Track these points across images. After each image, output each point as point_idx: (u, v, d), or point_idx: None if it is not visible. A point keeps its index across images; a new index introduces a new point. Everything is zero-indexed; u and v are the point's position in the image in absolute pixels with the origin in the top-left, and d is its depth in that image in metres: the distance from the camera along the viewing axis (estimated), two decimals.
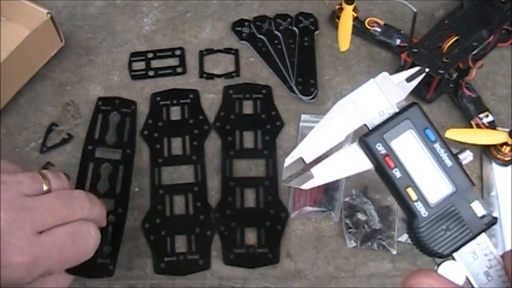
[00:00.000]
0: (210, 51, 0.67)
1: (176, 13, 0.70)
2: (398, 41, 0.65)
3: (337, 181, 0.57)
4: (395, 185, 0.35)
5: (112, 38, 0.68)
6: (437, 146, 0.36)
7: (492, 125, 0.59)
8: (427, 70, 0.38)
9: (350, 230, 0.55)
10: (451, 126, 0.60)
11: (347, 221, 0.55)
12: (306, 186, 0.37)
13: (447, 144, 0.36)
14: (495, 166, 0.58)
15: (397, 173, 0.35)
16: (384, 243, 0.54)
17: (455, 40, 0.59)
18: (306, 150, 0.37)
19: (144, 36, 0.69)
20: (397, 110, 0.37)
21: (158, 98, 0.63)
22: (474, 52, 0.59)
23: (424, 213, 0.35)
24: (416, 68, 0.39)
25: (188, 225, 0.56)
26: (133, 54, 0.67)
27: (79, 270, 0.50)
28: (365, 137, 0.36)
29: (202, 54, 0.67)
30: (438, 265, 0.35)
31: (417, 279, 0.33)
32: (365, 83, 0.37)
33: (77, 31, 0.69)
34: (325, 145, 0.37)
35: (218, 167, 0.59)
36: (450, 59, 0.58)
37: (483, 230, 0.35)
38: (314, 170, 0.37)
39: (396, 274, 0.54)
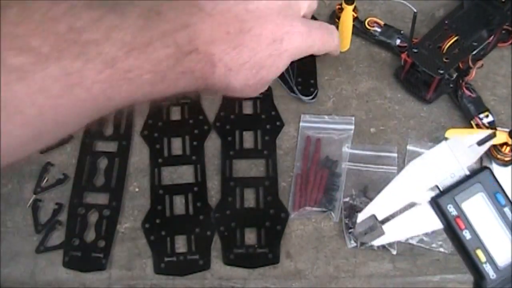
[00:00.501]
0: None
1: None
2: (398, 41, 0.65)
3: (337, 181, 0.57)
4: (465, 246, 0.37)
5: None
6: (507, 210, 0.38)
7: (492, 125, 0.59)
8: (491, 134, 0.40)
9: (350, 230, 0.55)
10: (451, 126, 0.60)
11: (347, 221, 0.55)
12: (377, 242, 0.39)
13: None
14: (495, 166, 0.58)
15: (467, 235, 0.37)
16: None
17: (455, 40, 0.59)
18: (379, 207, 0.39)
19: None
20: (467, 172, 0.38)
21: None
22: (474, 52, 0.59)
23: (493, 275, 0.36)
24: (487, 132, 0.41)
25: (188, 225, 0.56)
26: None
27: (73, 264, 0.53)
28: (437, 198, 0.38)
29: None
30: None
31: None
32: (438, 145, 0.39)
33: None
34: (398, 204, 0.39)
35: (218, 167, 0.59)
36: (450, 59, 0.58)
37: None
38: (386, 227, 0.39)
39: (396, 274, 0.54)
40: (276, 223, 0.56)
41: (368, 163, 0.59)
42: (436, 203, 0.38)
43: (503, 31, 0.64)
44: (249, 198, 0.58)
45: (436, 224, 0.38)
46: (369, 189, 0.57)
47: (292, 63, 0.60)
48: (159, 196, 0.58)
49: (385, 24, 0.66)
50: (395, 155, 0.59)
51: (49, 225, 0.56)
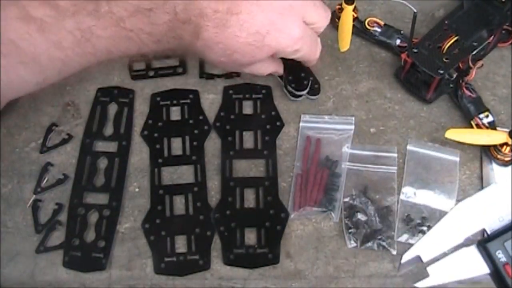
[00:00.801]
0: None
1: None
2: (398, 41, 0.65)
3: (337, 181, 0.57)
4: None
5: None
6: None
7: (492, 125, 0.59)
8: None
9: (350, 230, 0.55)
10: (451, 126, 0.60)
11: (347, 221, 0.55)
12: (421, 285, 0.39)
13: None
14: (495, 166, 0.58)
15: None
16: (384, 243, 0.54)
17: (455, 40, 0.59)
18: (424, 249, 0.40)
19: None
20: None
21: (158, 98, 0.63)
22: (474, 52, 0.59)
23: None
24: None
25: (188, 225, 0.56)
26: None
27: (73, 264, 0.53)
28: (485, 243, 0.38)
29: None
30: None
31: None
32: (487, 187, 0.41)
33: None
34: (444, 246, 0.39)
35: (218, 167, 0.59)
36: (450, 59, 0.58)
37: None
38: (431, 269, 0.39)
39: (396, 274, 0.54)
40: (276, 223, 0.56)
41: (368, 163, 0.59)
42: (484, 248, 0.38)
43: (503, 31, 0.64)
44: (249, 198, 0.58)
45: (483, 269, 0.37)
46: (369, 189, 0.57)
47: (290, 62, 0.60)
48: (159, 196, 0.58)
49: (385, 24, 0.66)
50: (395, 155, 0.59)
51: (49, 225, 0.56)
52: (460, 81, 0.60)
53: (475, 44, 0.60)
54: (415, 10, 0.54)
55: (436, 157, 0.59)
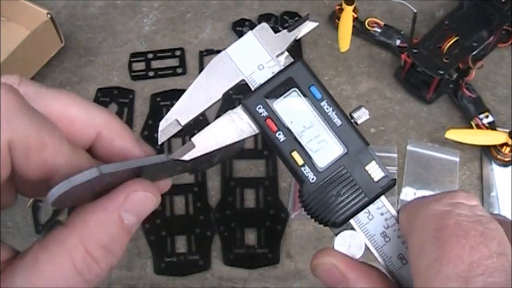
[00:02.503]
0: (210, 52, 0.67)
1: (176, 14, 0.70)
2: (398, 42, 0.65)
3: None
4: (280, 150, 0.31)
5: (112, 38, 0.68)
6: (324, 104, 0.33)
7: (492, 126, 0.59)
8: (304, 17, 0.35)
9: None
10: (451, 127, 0.60)
11: None
12: (188, 156, 0.33)
13: (336, 101, 0.33)
14: (495, 166, 0.58)
15: (280, 137, 0.32)
16: None
17: (455, 41, 0.59)
18: (181, 111, 0.34)
19: (144, 36, 0.69)
20: (279, 65, 0.33)
21: (158, 99, 0.63)
22: (474, 53, 0.59)
23: (312, 179, 0.31)
24: (301, 20, 0.35)
25: (188, 225, 0.56)
26: (133, 55, 0.67)
27: None
28: (245, 100, 0.33)
29: (202, 54, 0.67)
30: (336, 235, 0.31)
31: (319, 259, 0.30)
32: (243, 36, 0.33)
33: (77, 32, 0.69)
34: (201, 105, 0.34)
35: (218, 167, 0.59)
36: (450, 60, 0.58)
37: (380, 194, 0.31)
38: (195, 139, 0.33)
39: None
40: (276, 223, 0.56)
41: None
42: (245, 106, 0.33)
43: (503, 32, 0.64)
44: (249, 198, 0.58)
45: (251, 129, 0.33)
46: None
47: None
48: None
49: (385, 25, 0.66)
50: (395, 155, 0.59)
51: (49, 225, 0.56)
52: (460, 81, 0.60)
53: (475, 44, 0.60)
54: (415, 10, 0.54)
55: (436, 157, 0.59)
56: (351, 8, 0.62)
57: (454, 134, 0.58)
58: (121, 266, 0.54)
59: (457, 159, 0.58)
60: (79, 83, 0.65)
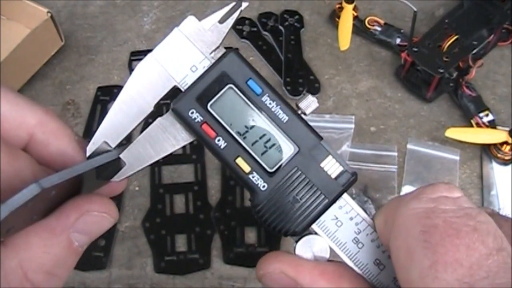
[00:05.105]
0: (138, 54, 0.67)
1: (176, 12, 0.70)
2: (398, 40, 0.65)
3: None
4: (223, 157, 0.28)
5: (112, 37, 0.68)
6: (266, 99, 0.28)
7: (492, 124, 0.59)
8: (244, 4, 0.31)
9: None
10: (451, 125, 0.60)
11: None
12: (118, 177, 0.29)
13: (279, 94, 0.28)
14: (495, 165, 0.58)
15: (220, 143, 0.28)
16: None
17: (455, 39, 0.59)
18: (108, 131, 0.29)
19: (144, 35, 0.69)
20: (211, 61, 0.29)
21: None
22: (474, 51, 0.59)
23: (263, 186, 0.27)
24: (231, 5, 0.32)
25: (188, 224, 0.56)
26: (133, 53, 0.67)
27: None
28: (175, 104, 0.29)
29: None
30: (296, 242, 0.28)
31: (264, 268, 0.26)
32: (169, 35, 0.30)
33: (77, 30, 0.69)
34: (131, 121, 0.30)
35: (218, 166, 0.59)
36: (450, 58, 0.58)
37: (341, 193, 0.27)
38: (124, 155, 0.29)
39: None
40: None
41: (368, 162, 0.59)
42: (174, 111, 0.29)
43: (503, 30, 0.64)
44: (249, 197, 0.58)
45: (185, 137, 0.29)
46: (369, 188, 0.57)
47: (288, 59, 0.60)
48: (159, 195, 0.58)
49: (385, 23, 0.66)
50: (395, 154, 0.59)
51: None
52: (460, 80, 0.60)
53: (475, 43, 0.60)
54: (415, 9, 0.54)
55: (436, 156, 0.59)
56: (351, 6, 0.62)
57: (454, 133, 0.58)
58: (121, 265, 0.54)
59: (457, 158, 0.58)
60: (79, 82, 0.65)
